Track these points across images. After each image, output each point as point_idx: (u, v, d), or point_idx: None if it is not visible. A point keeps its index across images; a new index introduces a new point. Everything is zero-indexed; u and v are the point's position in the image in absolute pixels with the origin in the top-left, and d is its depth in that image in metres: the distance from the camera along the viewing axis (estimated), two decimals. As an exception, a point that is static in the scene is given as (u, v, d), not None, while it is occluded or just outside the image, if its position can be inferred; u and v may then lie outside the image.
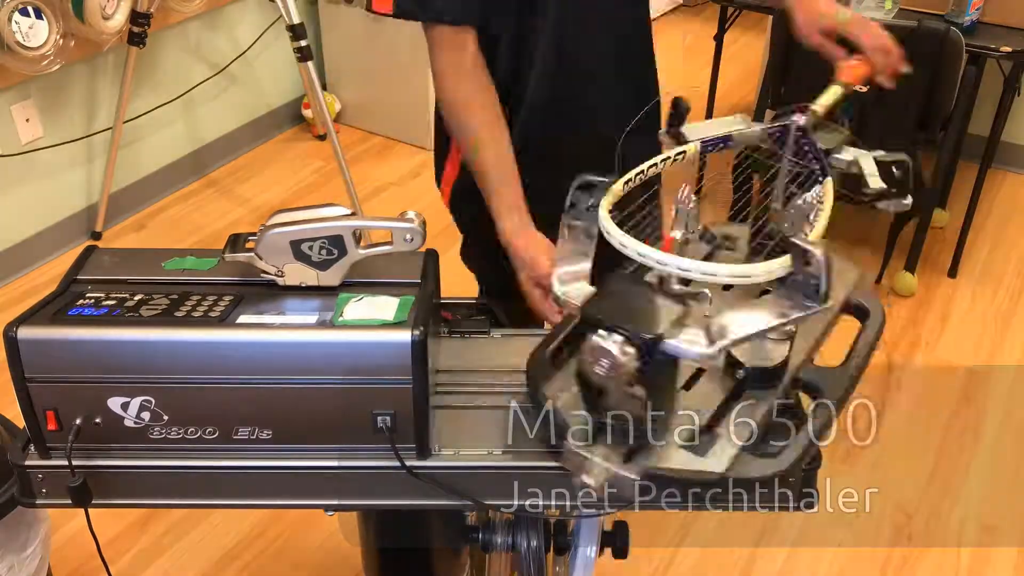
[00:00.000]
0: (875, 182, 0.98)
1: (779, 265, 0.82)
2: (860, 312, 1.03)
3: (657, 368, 0.82)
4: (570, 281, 0.92)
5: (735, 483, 0.86)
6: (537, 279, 1.14)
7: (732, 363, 0.92)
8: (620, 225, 0.89)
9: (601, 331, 0.80)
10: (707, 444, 0.87)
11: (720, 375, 0.95)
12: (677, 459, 0.86)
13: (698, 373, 0.96)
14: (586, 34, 1.27)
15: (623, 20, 1.32)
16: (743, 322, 0.81)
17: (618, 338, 0.80)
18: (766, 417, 0.91)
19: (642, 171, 0.99)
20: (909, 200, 0.99)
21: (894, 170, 0.97)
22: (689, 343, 0.80)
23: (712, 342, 0.79)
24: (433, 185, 1.52)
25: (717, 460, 0.86)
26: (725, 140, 1.06)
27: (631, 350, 0.79)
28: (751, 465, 0.86)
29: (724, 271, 0.83)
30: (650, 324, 0.81)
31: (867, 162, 0.99)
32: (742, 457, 0.86)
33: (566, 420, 0.89)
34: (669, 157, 1.02)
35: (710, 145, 1.05)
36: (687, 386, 0.94)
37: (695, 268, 0.82)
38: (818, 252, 0.80)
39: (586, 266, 0.94)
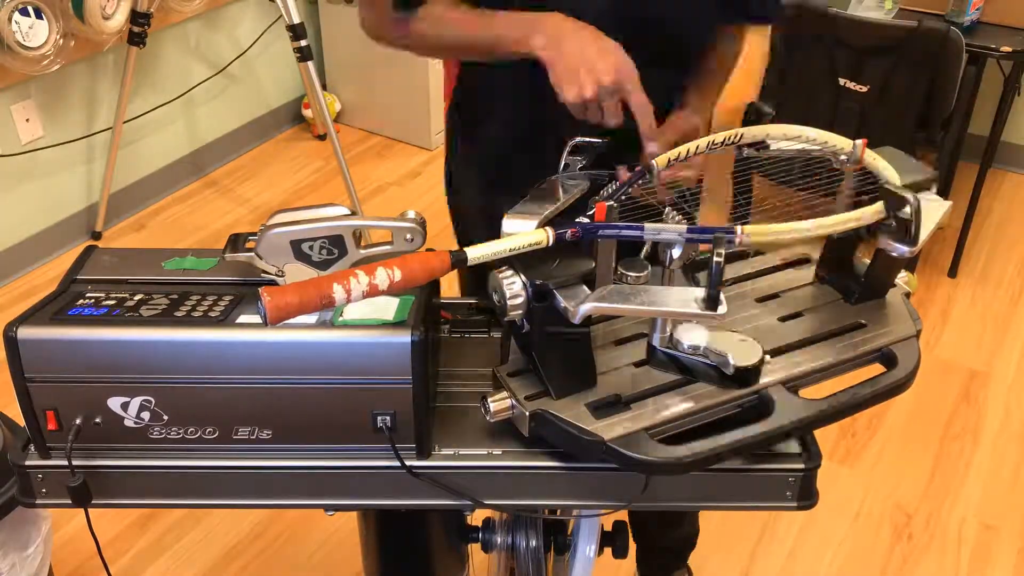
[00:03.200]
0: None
1: (871, 211, 0.88)
2: (887, 360, 0.97)
3: (543, 315, 0.86)
4: (519, 218, 0.95)
5: (611, 454, 0.85)
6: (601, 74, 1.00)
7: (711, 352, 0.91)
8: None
9: (502, 266, 0.86)
10: (613, 413, 0.88)
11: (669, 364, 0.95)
12: (572, 414, 0.88)
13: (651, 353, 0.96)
14: None
15: None
16: (620, 298, 0.84)
17: (509, 273, 0.85)
18: (695, 414, 0.89)
19: (676, 157, 1.00)
20: (914, 249, 0.93)
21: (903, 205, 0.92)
22: (563, 298, 0.84)
23: (577, 304, 0.83)
24: (433, 185, 1.52)
25: (609, 429, 0.86)
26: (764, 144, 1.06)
27: (518, 289, 0.84)
28: (639, 446, 0.85)
29: (809, 224, 0.86)
30: (550, 276, 0.85)
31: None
32: (637, 436, 0.86)
33: (509, 352, 0.95)
34: (712, 141, 1.02)
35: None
36: (639, 364, 0.95)
37: (790, 228, 0.86)
38: (911, 197, 0.85)
39: (544, 212, 0.96)
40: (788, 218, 0.92)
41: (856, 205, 0.96)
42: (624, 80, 1.00)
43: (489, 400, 0.91)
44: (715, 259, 0.83)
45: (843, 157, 1.02)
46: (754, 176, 1.06)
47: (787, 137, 1.03)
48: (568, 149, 1.05)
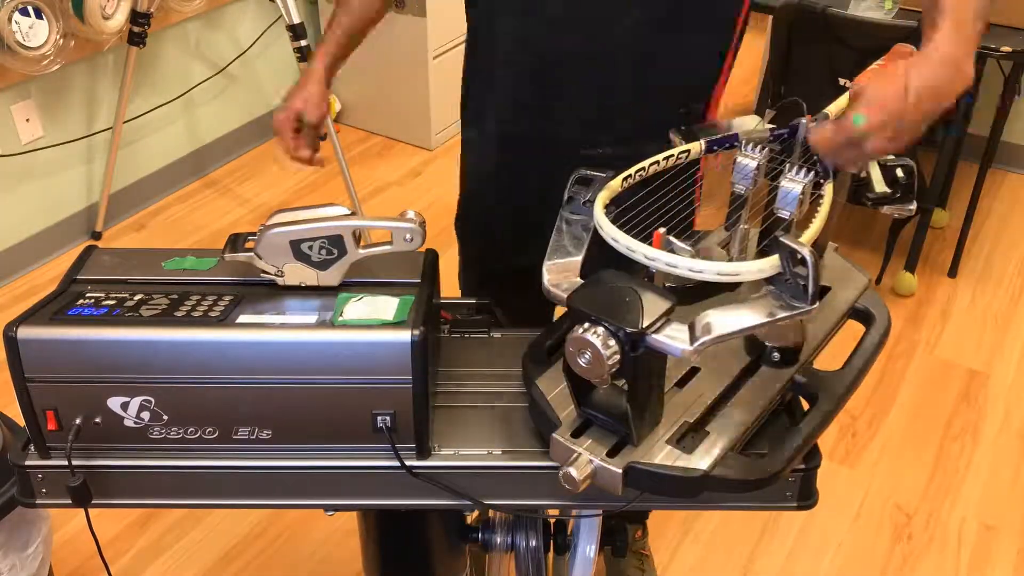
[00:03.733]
0: (879, 186, 0.97)
1: (768, 264, 0.81)
2: (864, 317, 1.03)
3: (645, 362, 0.82)
4: (559, 273, 0.91)
5: (716, 483, 0.84)
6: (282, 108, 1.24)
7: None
8: (629, 221, 0.89)
9: (585, 323, 0.80)
10: (695, 442, 0.87)
11: (716, 372, 0.95)
12: (662, 455, 0.86)
13: (693, 371, 0.96)
14: None
15: None
16: (727, 320, 0.80)
17: (601, 330, 0.79)
18: (759, 418, 0.91)
19: (643, 168, 0.98)
20: (913, 205, 0.98)
21: (899, 174, 0.96)
22: (670, 339, 0.79)
23: (694, 339, 0.79)
24: (433, 185, 1.52)
25: (702, 459, 0.85)
26: (731, 140, 1.05)
27: (613, 343, 0.79)
28: (736, 466, 0.85)
29: (712, 268, 0.82)
30: (635, 318, 0.80)
31: (872, 166, 0.99)
32: (729, 457, 0.86)
33: (556, 413, 0.90)
34: (672, 155, 1.01)
35: (715, 144, 1.05)
36: (681, 383, 0.94)
37: (682, 265, 0.81)
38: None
39: (576, 260, 0.93)
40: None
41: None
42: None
43: (572, 470, 0.84)
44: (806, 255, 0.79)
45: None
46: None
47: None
48: (572, 181, 1.01)
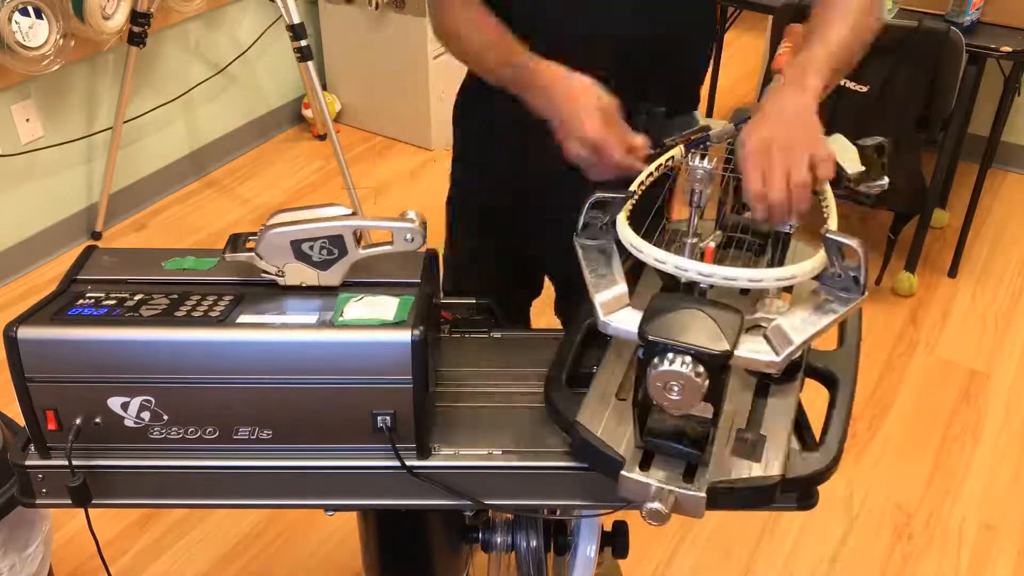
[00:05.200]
0: (852, 166, 0.95)
1: (820, 262, 0.85)
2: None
3: (727, 383, 0.81)
4: (615, 309, 0.87)
5: (791, 484, 0.84)
6: (581, 139, 1.03)
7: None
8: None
9: (669, 354, 0.77)
10: (756, 448, 0.85)
11: (735, 377, 0.95)
12: (735, 469, 0.84)
13: None
14: None
15: None
16: (800, 325, 0.80)
17: (688, 359, 0.76)
18: (796, 411, 0.91)
19: (642, 182, 0.99)
20: (884, 180, 0.95)
21: (872, 154, 0.95)
22: (756, 353, 0.77)
23: (777, 350, 0.78)
24: (433, 184, 1.52)
25: (772, 463, 0.85)
26: (704, 138, 1.06)
27: (701, 369, 0.76)
28: (803, 462, 0.86)
29: (772, 275, 0.83)
30: (719, 339, 0.77)
31: (845, 151, 0.98)
32: (795, 456, 0.87)
33: (615, 449, 0.87)
34: (661, 164, 1.01)
35: (691, 145, 1.05)
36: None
37: (741, 276, 0.82)
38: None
39: (623, 288, 0.89)
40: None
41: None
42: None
43: (655, 505, 0.82)
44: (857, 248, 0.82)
45: None
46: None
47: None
48: (589, 205, 0.99)
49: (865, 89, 2.56)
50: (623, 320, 0.84)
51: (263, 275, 0.97)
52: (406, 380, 0.89)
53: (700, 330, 0.78)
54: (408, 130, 3.57)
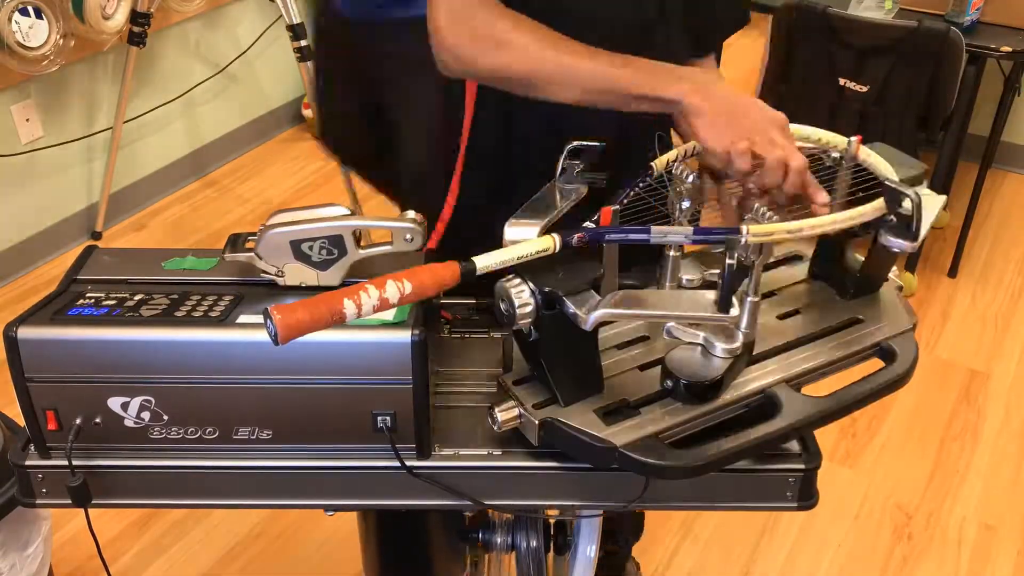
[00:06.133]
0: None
1: (871, 208, 0.89)
2: (886, 355, 0.98)
3: (559, 323, 0.85)
4: (520, 226, 0.93)
5: (625, 461, 0.85)
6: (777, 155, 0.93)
7: (666, 374, 0.91)
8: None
9: (509, 275, 0.85)
10: (622, 419, 0.88)
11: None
12: (581, 420, 0.88)
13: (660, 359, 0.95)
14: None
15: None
16: (634, 304, 0.84)
17: (517, 282, 0.84)
18: (701, 417, 0.89)
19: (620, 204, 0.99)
20: (915, 243, 0.92)
21: (904, 204, 0.90)
22: (574, 305, 0.83)
23: (591, 311, 0.82)
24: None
25: (619, 435, 0.86)
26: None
27: (527, 298, 0.83)
28: (646, 450, 0.85)
29: (818, 222, 0.86)
30: (554, 281, 0.84)
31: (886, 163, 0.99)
32: (647, 440, 0.86)
33: (514, 360, 0.95)
34: (639, 182, 1.00)
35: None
36: (644, 368, 0.95)
37: (791, 227, 0.85)
38: (911, 193, 0.86)
39: (544, 218, 0.94)
40: (786, 217, 0.93)
41: (851, 202, 0.96)
42: (782, 137, 0.95)
43: (496, 410, 0.90)
44: (728, 262, 0.83)
45: (836, 154, 1.02)
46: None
47: None
48: (566, 153, 1.02)
49: (865, 89, 2.56)
50: (514, 233, 0.91)
51: (263, 275, 0.97)
52: (406, 380, 0.89)
53: (548, 270, 0.85)
54: (408, 130, 3.56)
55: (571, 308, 0.84)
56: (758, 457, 0.94)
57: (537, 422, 0.89)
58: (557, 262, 0.86)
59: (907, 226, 0.90)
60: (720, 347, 0.90)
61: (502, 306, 0.85)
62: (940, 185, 2.86)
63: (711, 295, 0.86)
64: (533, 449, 0.94)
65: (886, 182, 0.91)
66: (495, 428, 0.91)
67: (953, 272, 2.86)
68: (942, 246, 2.97)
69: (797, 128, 1.02)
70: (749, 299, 0.89)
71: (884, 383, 0.94)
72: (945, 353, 2.57)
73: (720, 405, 0.90)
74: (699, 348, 0.91)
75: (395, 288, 0.78)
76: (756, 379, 0.92)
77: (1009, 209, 3.21)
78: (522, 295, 0.84)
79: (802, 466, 0.94)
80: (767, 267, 1.09)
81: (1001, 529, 2.07)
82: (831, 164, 1.02)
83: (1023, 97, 2.74)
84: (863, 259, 1.02)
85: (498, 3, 1.03)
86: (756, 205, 0.93)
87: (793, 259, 1.11)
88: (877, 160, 0.99)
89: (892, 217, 0.90)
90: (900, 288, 1.08)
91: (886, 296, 1.05)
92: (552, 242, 0.84)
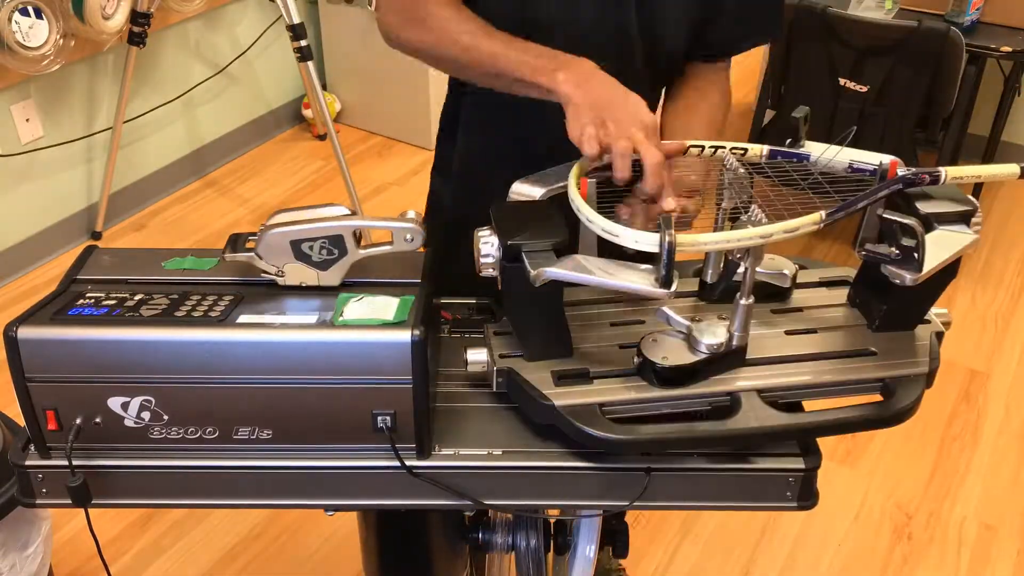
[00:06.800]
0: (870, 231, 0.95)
1: (808, 221, 0.86)
2: (886, 391, 0.94)
3: (519, 276, 0.88)
4: (518, 193, 0.98)
5: (560, 420, 0.89)
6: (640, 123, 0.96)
7: (638, 352, 0.93)
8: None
9: (484, 227, 0.91)
10: (575, 384, 0.92)
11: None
12: (535, 378, 0.92)
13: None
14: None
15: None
16: (576, 268, 0.86)
17: (486, 232, 0.90)
18: (655, 402, 0.90)
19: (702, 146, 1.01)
20: (916, 276, 0.90)
21: (902, 237, 0.89)
22: (527, 260, 0.87)
23: (540, 268, 0.85)
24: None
25: (562, 397, 0.89)
26: (800, 155, 1.02)
27: (491, 250, 0.89)
28: (583, 417, 0.88)
29: (737, 235, 0.85)
30: (517, 234, 0.88)
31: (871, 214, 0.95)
32: (590, 409, 0.88)
33: (502, 313, 0.99)
34: (726, 146, 1.01)
35: (780, 154, 1.02)
36: (625, 347, 0.97)
37: (719, 237, 0.85)
38: (914, 224, 0.86)
39: (540, 191, 0.98)
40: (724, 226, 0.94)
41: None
42: (642, 133, 0.95)
43: (468, 351, 0.96)
44: (667, 239, 0.81)
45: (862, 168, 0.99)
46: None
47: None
48: None
49: (865, 89, 2.57)
50: (521, 188, 0.98)
51: (263, 275, 0.97)
52: (406, 380, 0.89)
53: (521, 225, 0.90)
54: (408, 130, 3.57)
55: (525, 263, 0.87)
56: (758, 458, 0.94)
57: (496, 369, 0.94)
58: (530, 220, 0.91)
59: (912, 258, 0.88)
60: (703, 342, 0.91)
61: (475, 254, 0.91)
62: (940, 185, 2.86)
63: (652, 269, 0.85)
64: (533, 449, 0.94)
65: (885, 214, 0.88)
66: (465, 369, 0.96)
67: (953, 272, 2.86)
68: (942, 246, 2.97)
69: (848, 150, 0.99)
70: (741, 302, 0.89)
71: (862, 417, 0.91)
72: (945, 353, 2.55)
73: (676, 396, 0.90)
74: (681, 336, 0.93)
75: None
76: (727, 382, 0.92)
77: (1009, 209, 3.21)
78: (487, 245, 0.89)
79: (802, 466, 0.94)
80: (805, 285, 1.07)
81: (1001, 529, 2.07)
82: (815, 173, 1.00)
83: (1023, 97, 2.74)
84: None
85: None
86: (753, 208, 0.91)
87: (840, 283, 1.08)
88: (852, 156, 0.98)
89: (895, 250, 0.88)
90: (941, 332, 1.03)
91: (919, 336, 1.02)
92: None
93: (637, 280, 0.85)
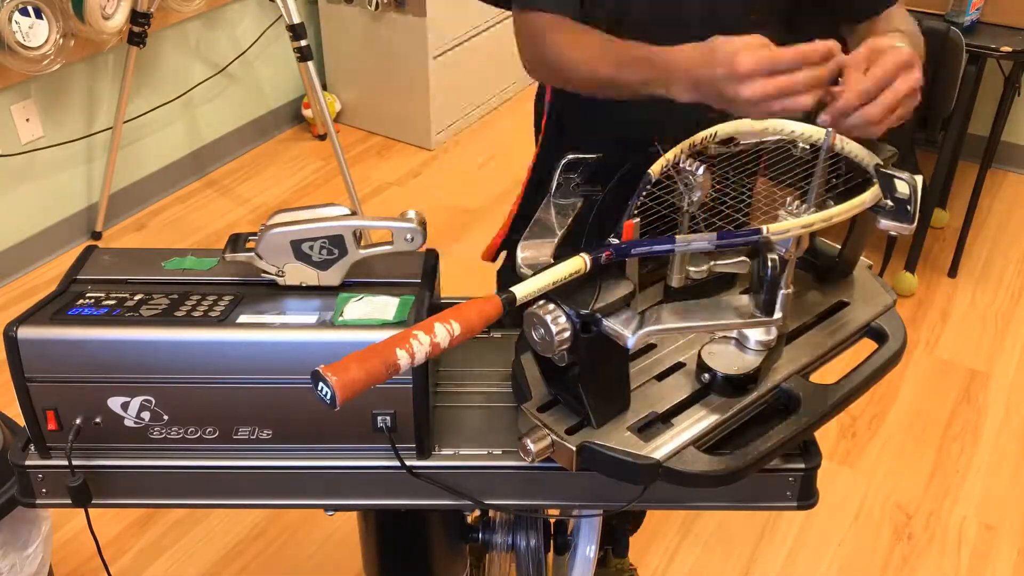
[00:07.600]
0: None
1: (871, 195, 0.88)
2: (877, 336, 1.01)
3: (597, 345, 0.83)
4: (533, 252, 0.95)
5: (670, 475, 0.85)
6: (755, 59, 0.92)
7: (701, 367, 0.91)
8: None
9: (540, 301, 0.82)
10: (656, 433, 0.88)
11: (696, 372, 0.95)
12: (618, 440, 0.87)
13: (678, 366, 0.95)
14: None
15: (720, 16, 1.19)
16: (674, 317, 0.83)
17: (552, 307, 0.81)
18: (731, 418, 0.90)
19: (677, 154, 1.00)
20: (912, 225, 0.91)
21: (900, 187, 0.91)
22: (614, 325, 0.81)
23: (637, 329, 0.81)
24: (433, 184, 1.52)
25: (659, 448, 0.86)
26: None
27: (564, 322, 0.81)
28: (692, 461, 0.85)
29: (820, 216, 0.85)
30: (587, 301, 0.82)
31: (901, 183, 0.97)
32: (688, 452, 0.86)
33: (530, 387, 0.92)
34: (641, 190, 1.00)
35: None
36: (661, 377, 0.95)
37: (805, 221, 0.85)
38: (906, 176, 0.86)
39: (552, 241, 0.97)
40: (774, 210, 0.93)
41: (829, 190, 0.97)
42: (756, 66, 0.93)
43: (528, 441, 0.87)
44: (769, 262, 0.83)
45: (804, 145, 1.02)
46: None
47: (754, 131, 1.04)
48: (560, 167, 1.04)
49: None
50: (529, 253, 0.94)
51: (263, 275, 0.97)
52: (406, 380, 0.89)
53: (578, 289, 0.83)
54: (408, 130, 3.57)
55: (611, 329, 0.81)
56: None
57: (574, 448, 0.86)
58: (585, 283, 0.84)
59: (904, 209, 0.90)
60: (754, 339, 0.90)
61: (535, 334, 0.82)
62: (940, 185, 2.86)
63: (747, 300, 0.86)
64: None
65: (879, 168, 0.91)
66: (528, 460, 0.87)
67: (953, 272, 2.86)
68: (942, 246, 2.97)
69: (773, 122, 1.03)
70: (782, 292, 0.88)
71: (883, 363, 0.98)
72: (945, 353, 2.57)
73: (748, 403, 0.90)
74: (733, 341, 0.92)
75: (444, 331, 0.75)
76: (774, 374, 0.93)
77: (1009, 209, 3.21)
78: (559, 320, 0.81)
79: (802, 466, 0.94)
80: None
81: (1001, 529, 2.07)
82: (800, 155, 1.02)
83: (1023, 97, 2.74)
84: (839, 244, 1.06)
85: (562, 22, 1.14)
86: (789, 200, 0.92)
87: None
88: (855, 148, 0.99)
89: (888, 202, 0.90)
90: (870, 266, 1.11)
91: (861, 277, 1.08)
92: (583, 262, 0.82)
93: (741, 315, 0.85)
